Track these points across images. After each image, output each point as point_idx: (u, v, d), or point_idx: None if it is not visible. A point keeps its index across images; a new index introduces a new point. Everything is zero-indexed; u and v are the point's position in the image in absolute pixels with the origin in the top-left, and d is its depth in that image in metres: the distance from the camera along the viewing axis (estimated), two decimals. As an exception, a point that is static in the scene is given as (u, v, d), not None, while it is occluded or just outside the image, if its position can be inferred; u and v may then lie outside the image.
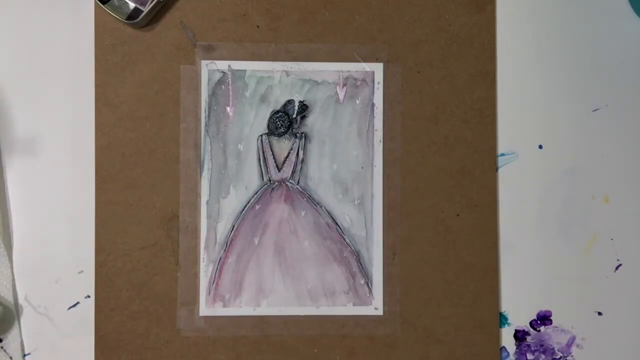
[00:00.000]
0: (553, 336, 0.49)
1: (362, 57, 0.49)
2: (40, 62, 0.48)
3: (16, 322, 0.47)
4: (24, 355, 0.48)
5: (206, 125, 0.48)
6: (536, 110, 0.50)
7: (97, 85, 0.48)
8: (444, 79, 0.49)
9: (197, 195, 0.48)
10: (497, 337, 0.49)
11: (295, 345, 0.48)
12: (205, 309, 0.48)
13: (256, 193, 0.48)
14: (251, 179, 0.48)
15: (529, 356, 0.49)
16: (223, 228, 0.48)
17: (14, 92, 0.48)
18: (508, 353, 0.49)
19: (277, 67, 0.49)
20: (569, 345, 0.49)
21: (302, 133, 0.49)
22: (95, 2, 0.48)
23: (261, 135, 0.49)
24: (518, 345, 0.49)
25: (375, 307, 0.48)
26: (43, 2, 0.49)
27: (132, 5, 0.47)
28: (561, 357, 0.49)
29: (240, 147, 0.49)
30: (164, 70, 0.48)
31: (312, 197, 0.49)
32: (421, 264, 0.49)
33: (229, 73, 0.49)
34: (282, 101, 0.49)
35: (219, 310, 0.48)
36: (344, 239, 0.49)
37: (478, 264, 0.49)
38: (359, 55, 0.49)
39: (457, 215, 0.49)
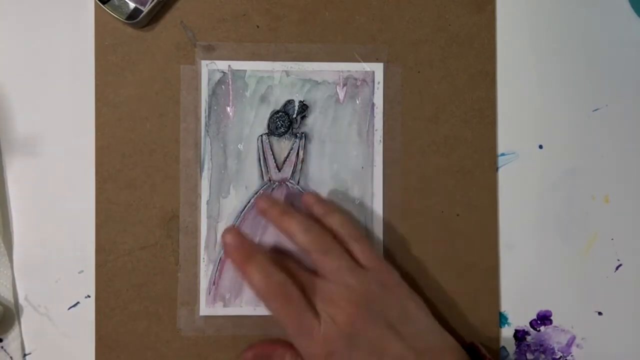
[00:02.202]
0: (553, 336, 0.49)
1: (362, 57, 0.49)
2: (40, 62, 0.48)
3: (16, 322, 0.47)
4: (24, 355, 0.48)
5: (206, 125, 0.48)
6: (536, 110, 0.50)
7: (97, 85, 0.48)
8: (444, 79, 0.49)
9: (197, 195, 0.48)
10: (497, 337, 0.49)
11: (295, 345, 0.48)
12: (205, 309, 0.48)
13: (256, 193, 0.48)
14: (251, 179, 0.49)
15: (529, 356, 0.49)
16: (223, 228, 0.48)
17: (14, 92, 0.48)
18: (508, 353, 0.49)
19: (277, 67, 0.49)
20: (569, 345, 0.49)
21: (302, 133, 0.49)
22: (95, 2, 0.48)
23: (261, 135, 0.49)
24: (518, 345, 0.49)
25: (375, 307, 0.48)
26: (43, 2, 0.49)
27: (132, 5, 0.47)
28: (561, 357, 0.49)
29: (240, 147, 0.49)
30: (164, 70, 0.48)
31: (312, 197, 0.49)
32: (421, 264, 0.49)
33: (229, 73, 0.49)
34: (282, 101, 0.49)
35: (219, 310, 0.48)
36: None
37: (478, 264, 0.49)
38: (359, 55, 0.49)
39: (457, 215, 0.49)
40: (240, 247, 0.43)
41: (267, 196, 0.46)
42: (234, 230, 0.43)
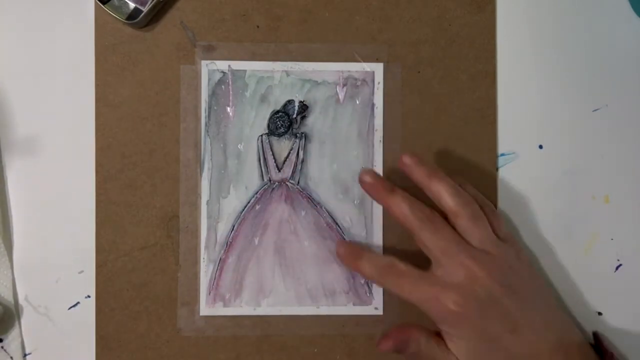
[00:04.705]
0: (553, 336, 0.49)
1: (362, 57, 0.49)
2: (40, 62, 0.48)
3: (16, 322, 0.47)
4: (25, 355, 0.48)
5: (206, 125, 0.48)
6: (536, 110, 0.50)
7: (97, 85, 0.48)
8: (444, 79, 0.49)
9: (197, 195, 0.48)
10: (497, 337, 0.49)
11: (295, 345, 0.48)
12: (205, 309, 0.48)
13: (256, 193, 0.48)
14: (251, 179, 0.49)
15: (529, 356, 0.49)
16: (223, 228, 0.48)
17: (14, 92, 0.48)
18: (508, 353, 0.49)
19: (277, 67, 0.49)
20: (569, 345, 0.49)
21: (302, 133, 0.49)
22: (95, 2, 0.48)
23: (261, 135, 0.49)
24: (518, 345, 0.49)
25: (375, 307, 0.48)
26: (43, 2, 0.49)
27: (132, 5, 0.47)
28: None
29: (240, 147, 0.49)
30: (164, 70, 0.48)
31: (312, 197, 0.49)
32: (421, 264, 0.48)
33: (229, 73, 0.49)
34: (282, 101, 0.49)
35: (219, 310, 0.48)
36: (344, 239, 0.49)
37: (478, 264, 0.49)
38: (359, 55, 0.49)
39: (457, 215, 0.49)
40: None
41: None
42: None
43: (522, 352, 0.41)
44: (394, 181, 0.48)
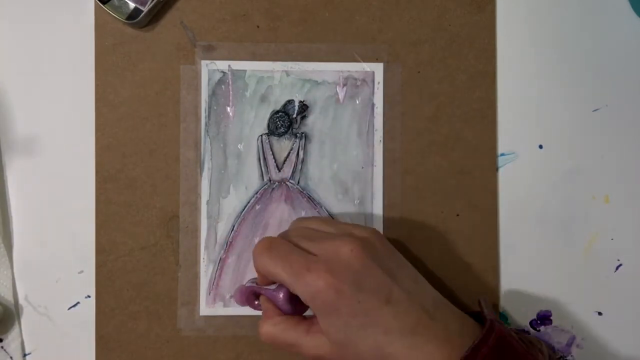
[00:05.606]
0: (553, 336, 0.49)
1: (362, 57, 0.49)
2: (40, 62, 0.48)
3: (16, 322, 0.47)
4: (24, 355, 0.48)
5: (206, 125, 0.48)
6: (536, 110, 0.50)
7: (97, 85, 0.48)
8: (444, 79, 0.49)
9: (197, 195, 0.48)
10: (497, 337, 0.49)
11: (295, 345, 0.48)
12: (205, 309, 0.48)
13: (256, 193, 0.48)
14: (251, 179, 0.49)
15: (529, 356, 0.49)
16: (223, 228, 0.48)
17: (14, 92, 0.48)
18: (508, 353, 0.49)
19: (277, 67, 0.49)
20: (569, 345, 0.49)
21: (302, 133, 0.49)
22: (95, 2, 0.48)
23: (261, 135, 0.49)
24: (518, 345, 0.49)
25: (375, 307, 0.48)
26: (43, 2, 0.49)
27: (132, 5, 0.47)
28: (561, 357, 0.49)
29: (240, 147, 0.49)
30: (164, 70, 0.48)
31: (312, 197, 0.49)
32: (421, 264, 0.48)
33: (229, 73, 0.49)
34: (282, 101, 0.49)
35: (220, 310, 0.48)
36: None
37: (478, 264, 0.49)
38: (359, 55, 0.49)
39: (457, 215, 0.49)
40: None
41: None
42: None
43: (397, 324, 0.39)
44: (393, 179, 0.48)
